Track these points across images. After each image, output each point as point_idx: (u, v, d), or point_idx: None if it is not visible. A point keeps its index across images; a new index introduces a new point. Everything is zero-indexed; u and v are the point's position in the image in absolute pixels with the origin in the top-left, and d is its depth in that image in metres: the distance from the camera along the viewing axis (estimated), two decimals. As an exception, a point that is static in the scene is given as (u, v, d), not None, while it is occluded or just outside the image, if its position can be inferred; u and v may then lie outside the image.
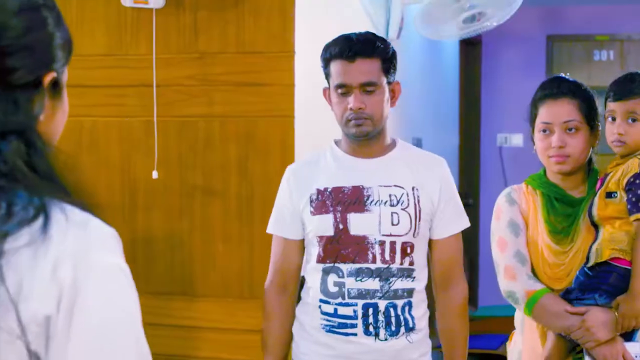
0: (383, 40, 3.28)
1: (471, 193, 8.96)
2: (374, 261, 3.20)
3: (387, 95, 3.24)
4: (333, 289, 3.23)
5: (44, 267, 1.33)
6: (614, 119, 3.19)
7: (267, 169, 4.14)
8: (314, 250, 3.29)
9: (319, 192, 3.28)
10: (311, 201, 3.28)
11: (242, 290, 4.20)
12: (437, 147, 6.29)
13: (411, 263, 3.24)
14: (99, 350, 1.35)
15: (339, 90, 3.21)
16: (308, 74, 4.17)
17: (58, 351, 1.32)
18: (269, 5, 4.13)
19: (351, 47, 3.19)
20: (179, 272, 4.30)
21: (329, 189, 3.27)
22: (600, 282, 3.11)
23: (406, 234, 3.22)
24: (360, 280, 3.19)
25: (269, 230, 3.42)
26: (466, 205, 3.61)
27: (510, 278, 3.27)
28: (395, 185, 3.25)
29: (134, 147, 4.35)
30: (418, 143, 6.40)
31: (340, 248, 3.22)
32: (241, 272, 4.20)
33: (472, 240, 8.44)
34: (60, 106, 1.55)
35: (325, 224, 3.24)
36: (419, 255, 3.28)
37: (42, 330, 1.31)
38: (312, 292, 3.30)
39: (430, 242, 3.34)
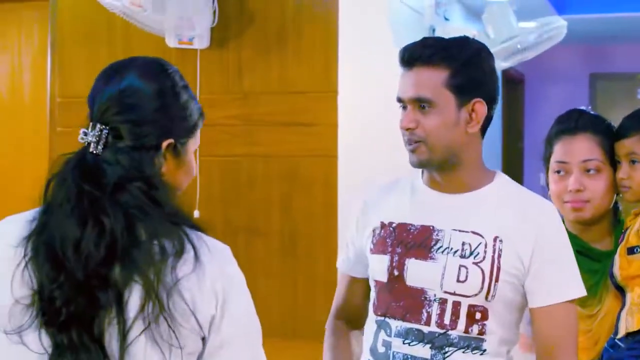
0: (464, 45, 2.55)
1: (514, 232, 8.90)
2: (427, 323, 2.51)
3: (452, 116, 2.49)
4: (381, 349, 2.60)
5: (205, 285, 1.89)
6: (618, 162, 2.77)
7: (310, 207, 4.14)
8: (372, 295, 2.67)
9: (382, 226, 2.63)
10: (373, 236, 2.65)
11: (286, 330, 4.19)
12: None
13: (481, 332, 2.49)
14: (241, 325, 1.96)
15: (399, 105, 2.57)
16: (351, 114, 4.18)
17: (217, 332, 1.91)
18: (312, 45, 4.15)
19: (411, 51, 2.53)
20: (223, 311, 4.30)
21: (394, 225, 2.60)
22: (634, 356, 2.62)
23: (475, 295, 2.47)
24: (409, 343, 2.53)
25: (337, 264, 2.86)
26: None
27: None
28: (473, 232, 2.52)
29: (178, 186, 4.37)
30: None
31: (392, 299, 2.56)
32: (285, 311, 4.19)
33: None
34: (182, 165, 2.04)
35: (380, 267, 2.59)
36: (498, 325, 2.51)
37: (209, 324, 1.89)
38: (364, 346, 2.69)
39: (530, 312, 2.56)
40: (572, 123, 2.81)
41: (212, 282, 1.90)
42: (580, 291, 2.51)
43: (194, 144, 2.07)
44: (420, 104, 2.48)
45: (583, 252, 2.76)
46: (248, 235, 4.26)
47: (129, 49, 4.45)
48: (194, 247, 1.87)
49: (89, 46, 4.53)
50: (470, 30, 5.40)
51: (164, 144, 1.96)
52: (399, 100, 2.54)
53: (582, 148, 2.77)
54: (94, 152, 1.90)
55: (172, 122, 1.99)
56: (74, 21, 4.56)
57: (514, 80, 8.85)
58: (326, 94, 4.13)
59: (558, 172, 2.80)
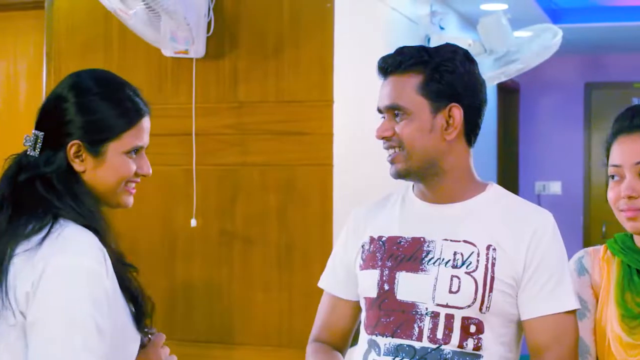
0: (438, 50, 2.49)
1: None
2: (419, 338, 2.38)
3: (427, 122, 2.42)
4: None
5: (31, 264, 2.08)
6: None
7: (306, 217, 4.14)
8: (362, 315, 2.56)
9: (371, 241, 2.55)
10: (362, 252, 2.56)
11: (281, 339, 4.19)
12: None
13: (477, 347, 2.36)
14: (52, 310, 2.05)
15: (380, 115, 2.53)
16: (347, 123, 4.19)
17: (30, 310, 2.05)
18: (308, 55, 4.16)
19: (386, 60, 2.51)
20: (218, 320, 4.30)
21: (384, 238, 2.51)
22: None
23: (468, 306, 2.36)
24: None
25: (320, 283, 2.72)
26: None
27: None
28: (465, 241, 2.42)
29: (173, 195, 4.38)
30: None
31: (382, 315, 2.44)
32: (280, 320, 4.19)
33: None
34: (101, 164, 2.25)
35: (370, 282, 2.49)
36: (495, 340, 2.40)
37: (25, 300, 2.06)
38: None
39: (522, 325, 2.46)
40: (626, 121, 2.45)
41: (38, 262, 2.08)
42: (571, 304, 2.39)
43: (121, 145, 2.26)
44: (395, 111, 2.45)
45: None
46: (244, 245, 4.26)
47: (124, 59, 4.46)
48: (48, 232, 2.11)
49: (85, 55, 4.53)
50: (465, 39, 5.42)
51: (68, 146, 2.21)
52: (379, 110, 2.51)
53: (636, 149, 2.41)
54: (30, 153, 2.23)
55: (77, 127, 2.22)
56: (70, 30, 4.57)
57: (509, 89, 8.86)
58: (322, 103, 4.13)
59: (612, 177, 2.45)
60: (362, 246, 2.56)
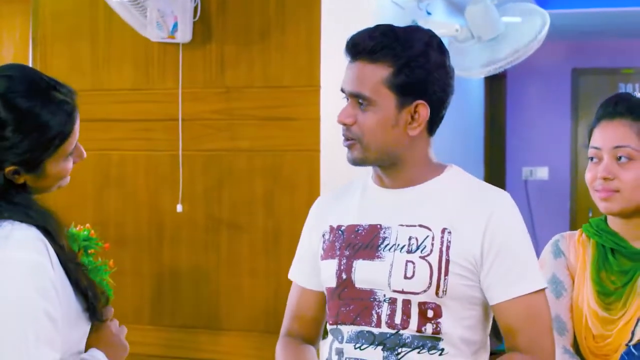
0: (411, 40, 2.36)
1: (497, 227, 8.91)
2: (378, 324, 2.36)
3: (391, 117, 2.35)
4: (334, 358, 2.45)
5: None
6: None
7: (293, 203, 4.14)
8: (327, 305, 2.54)
9: (331, 230, 2.51)
10: (323, 241, 2.53)
11: (268, 325, 4.20)
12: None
13: (436, 332, 2.34)
14: None
15: (342, 95, 2.45)
16: (334, 108, 4.15)
17: None
18: (295, 40, 4.15)
19: (356, 41, 2.39)
20: (205, 306, 4.30)
21: (343, 227, 2.48)
22: None
23: (424, 291, 2.33)
24: (359, 347, 2.38)
25: (289, 274, 2.71)
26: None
27: None
28: (420, 225, 2.38)
29: (160, 180, 4.37)
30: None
31: (342, 304, 2.43)
32: (267, 306, 4.20)
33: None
34: (42, 177, 2.20)
35: (329, 272, 2.46)
36: (455, 324, 2.36)
37: None
38: None
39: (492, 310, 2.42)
40: (610, 107, 2.57)
41: None
42: (539, 283, 2.35)
43: (59, 156, 2.21)
44: (359, 99, 2.36)
45: (618, 251, 2.58)
46: (231, 231, 4.26)
47: (110, 44, 4.44)
48: None
49: (71, 41, 4.51)
50: (452, 25, 5.41)
51: (6, 170, 2.16)
52: (342, 90, 2.42)
53: (615, 133, 2.53)
54: None
55: (15, 154, 2.15)
56: (56, 16, 4.55)
57: (496, 76, 8.84)
58: (309, 89, 4.13)
59: (592, 158, 2.56)
60: (323, 235, 2.53)
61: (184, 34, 4.20)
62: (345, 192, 2.58)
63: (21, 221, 2.12)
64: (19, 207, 2.15)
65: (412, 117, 2.36)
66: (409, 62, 2.33)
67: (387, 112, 2.35)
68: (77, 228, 3.69)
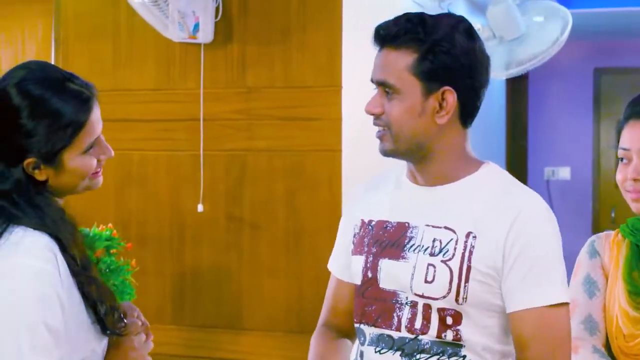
0: (436, 25, 2.27)
1: (518, 227, 8.88)
2: (397, 328, 2.29)
3: (417, 104, 2.27)
4: (358, 359, 2.40)
5: None
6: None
7: (314, 202, 4.14)
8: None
9: (362, 224, 2.45)
10: (354, 236, 2.48)
11: (290, 324, 4.19)
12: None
13: (457, 338, 2.24)
14: None
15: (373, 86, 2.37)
16: (355, 108, 4.18)
17: None
18: (316, 40, 4.15)
19: (382, 29, 2.32)
20: (227, 305, 4.30)
21: (373, 222, 2.41)
22: None
23: (443, 297, 2.24)
24: (379, 351, 2.32)
25: (328, 264, 2.64)
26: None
27: (572, 350, 2.31)
28: (445, 227, 2.28)
29: (181, 180, 4.38)
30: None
31: (366, 304, 2.36)
32: (289, 305, 4.19)
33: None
34: (63, 172, 2.20)
35: (356, 269, 2.41)
36: (475, 331, 2.25)
37: None
38: None
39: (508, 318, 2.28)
40: (638, 107, 2.53)
41: None
42: (556, 296, 2.20)
43: (77, 148, 2.20)
44: (385, 88, 2.28)
45: None
46: (252, 230, 4.26)
47: (132, 44, 4.45)
48: None
49: (92, 41, 4.53)
50: (474, 24, 5.39)
51: (25, 162, 2.17)
52: (371, 80, 2.35)
53: None
54: None
55: (31, 144, 2.16)
56: (78, 16, 4.56)
57: (517, 76, 8.82)
58: (330, 89, 4.13)
59: (621, 159, 2.52)
60: (354, 228, 2.47)
61: (205, 34, 4.20)
62: (381, 184, 2.50)
63: (34, 228, 2.13)
64: (36, 211, 2.16)
65: (440, 105, 2.27)
66: (433, 47, 2.24)
67: (413, 99, 2.26)
68: (99, 228, 3.70)
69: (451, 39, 2.25)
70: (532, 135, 9.30)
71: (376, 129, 2.36)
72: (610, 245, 2.59)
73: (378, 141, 2.36)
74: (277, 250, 4.22)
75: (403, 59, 2.25)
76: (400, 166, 2.47)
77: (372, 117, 2.36)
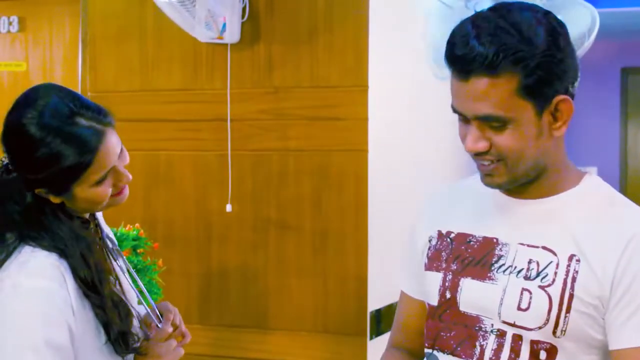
0: (533, 35, 1.90)
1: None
2: (480, 359, 2.03)
3: (533, 127, 1.96)
4: None
5: None
6: None
7: (341, 203, 4.13)
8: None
9: (439, 235, 2.19)
10: (428, 248, 2.21)
11: (316, 324, 4.19)
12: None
13: None
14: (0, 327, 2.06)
15: (457, 114, 2.04)
16: (382, 108, 4.18)
17: None
18: (342, 39, 4.15)
19: (465, 57, 1.91)
20: (253, 305, 4.31)
21: (453, 235, 2.15)
22: None
23: (539, 327, 1.96)
24: None
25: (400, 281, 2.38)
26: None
27: None
28: (543, 247, 2.00)
29: (208, 180, 4.39)
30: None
31: (442, 328, 2.10)
32: (315, 305, 4.19)
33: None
34: (75, 200, 2.22)
35: (431, 287, 2.15)
36: None
37: None
38: None
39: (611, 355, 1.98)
40: None
41: None
42: None
43: (87, 182, 2.21)
44: (490, 123, 1.96)
45: None
46: (279, 230, 4.26)
47: (159, 45, 4.46)
48: (7, 256, 2.14)
49: (119, 42, 4.54)
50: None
51: (37, 190, 2.21)
52: (457, 112, 2.02)
53: None
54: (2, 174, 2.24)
55: (42, 179, 2.18)
56: (105, 16, 4.58)
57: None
58: (357, 89, 4.12)
59: None
60: (429, 240, 2.21)
61: (232, 35, 4.21)
62: (459, 191, 2.26)
63: (43, 248, 2.17)
64: (47, 231, 2.19)
65: (554, 116, 2.00)
66: (539, 62, 1.92)
67: (527, 123, 1.96)
68: (127, 228, 3.72)
69: (556, 44, 1.95)
70: (558, 135, 9.28)
71: (478, 161, 2.07)
72: None
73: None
74: (303, 250, 4.22)
75: (506, 85, 1.91)
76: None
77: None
